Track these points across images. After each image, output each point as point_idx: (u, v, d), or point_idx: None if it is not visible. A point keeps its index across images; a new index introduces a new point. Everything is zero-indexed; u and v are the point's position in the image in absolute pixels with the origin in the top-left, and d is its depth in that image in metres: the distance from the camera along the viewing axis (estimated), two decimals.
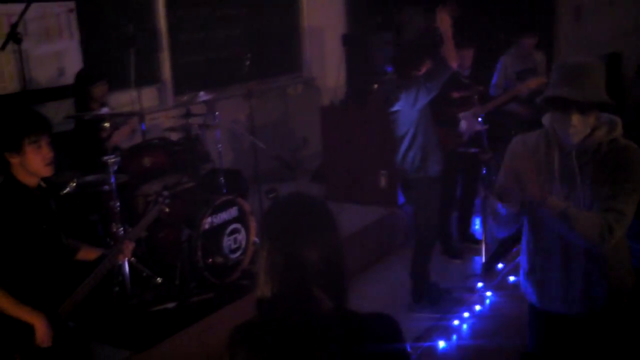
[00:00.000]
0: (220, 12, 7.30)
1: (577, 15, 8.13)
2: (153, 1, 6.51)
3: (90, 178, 4.67)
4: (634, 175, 2.55)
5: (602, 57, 7.83)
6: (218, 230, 4.81)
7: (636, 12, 7.97)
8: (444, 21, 4.46)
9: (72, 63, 5.65)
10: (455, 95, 5.43)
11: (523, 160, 2.67)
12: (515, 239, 3.94)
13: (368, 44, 6.72)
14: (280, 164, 7.79)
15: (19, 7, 4.93)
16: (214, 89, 6.49)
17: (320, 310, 1.68)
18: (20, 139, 2.83)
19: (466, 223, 6.13)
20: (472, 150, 5.52)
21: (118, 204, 4.44)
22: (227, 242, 4.87)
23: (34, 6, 5.13)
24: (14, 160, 2.86)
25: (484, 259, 5.51)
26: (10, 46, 4.93)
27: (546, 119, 2.77)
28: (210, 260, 4.73)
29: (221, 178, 5.45)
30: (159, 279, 4.72)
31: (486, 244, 5.48)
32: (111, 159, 4.32)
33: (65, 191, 4.45)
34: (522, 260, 2.93)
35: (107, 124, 4.61)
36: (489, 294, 5.10)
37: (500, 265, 5.49)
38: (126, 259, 4.16)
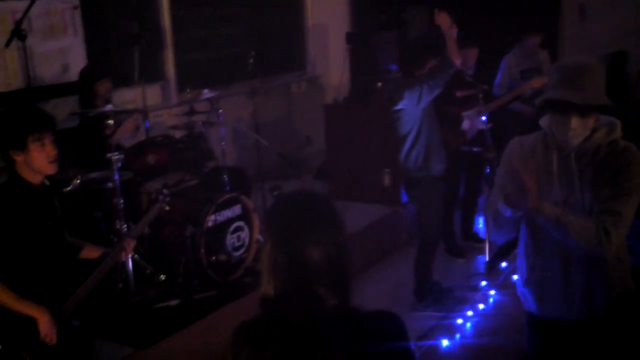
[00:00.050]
0: (224, 10, 7.31)
1: (582, 14, 8.10)
2: None
3: (94, 175, 4.68)
4: (633, 177, 2.52)
5: (607, 56, 7.84)
6: (221, 228, 4.81)
7: None
8: (444, 21, 4.48)
9: (76, 60, 5.65)
10: (459, 94, 5.42)
11: (520, 163, 2.62)
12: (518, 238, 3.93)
13: (372, 43, 6.71)
14: (283, 162, 7.79)
15: (23, 4, 4.93)
16: (218, 86, 6.50)
17: (324, 309, 1.67)
18: (24, 136, 2.83)
19: (469, 222, 6.13)
20: (475, 149, 5.51)
21: (122, 201, 4.45)
22: (231, 239, 4.87)
23: (39, 3, 5.13)
24: (19, 158, 2.86)
25: (487, 258, 5.51)
26: (15, 43, 4.94)
27: (544, 121, 2.72)
28: (214, 257, 4.73)
29: (225, 176, 5.45)
30: (162, 276, 4.73)
31: (489, 242, 5.48)
32: (115, 156, 4.33)
33: (69, 188, 4.45)
34: (520, 265, 2.86)
35: (111, 121, 4.61)
36: (492, 292, 5.09)
37: (503, 264, 5.48)
38: (129, 256, 4.19)
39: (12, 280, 2.83)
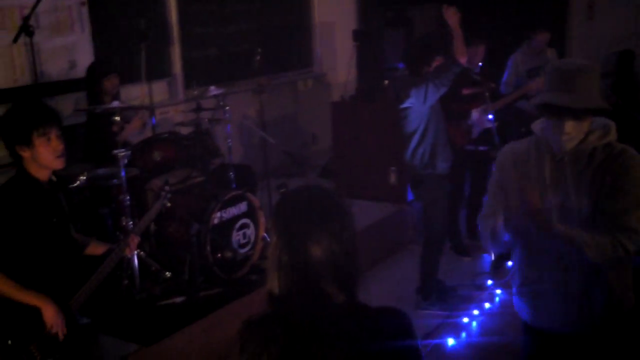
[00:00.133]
0: (231, 7, 7.30)
1: (590, 12, 8.08)
2: None
3: (100, 171, 4.69)
4: (638, 184, 2.43)
5: (614, 55, 7.81)
6: (227, 225, 4.81)
7: None
8: (452, 16, 4.45)
9: (84, 56, 5.66)
10: (466, 91, 5.41)
11: (512, 174, 2.57)
12: None
13: (379, 40, 6.70)
14: (290, 160, 7.79)
15: (31, 0, 4.93)
16: (225, 83, 6.50)
17: (330, 306, 1.67)
18: (29, 132, 2.83)
19: (475, 220, 6.10)
20: (481, 148, 5.49)
21: (128, 197, 4.46)
22: (236, 237, 4.87)
23: None
24: (25, 154, 2.86)
25: (493, 257, 5.50)
26: (22, 39, 4.94)
27: (536, 126, 2.64)
28: (219, 255, 4.73)
29: (231, 173, 5.45)
30: (167, 273, 4.73)
31: None
32: (122, 153, 4.33)
33: (75, 184, 4.46)
34: (514, 275, 2.80)
35: (118, 118, 4.61)
36: (498, 291, 5.08)
37: (509, 263, 5.45)
38: (134, 253, 4.20)
39: (18, 276, 2.83)
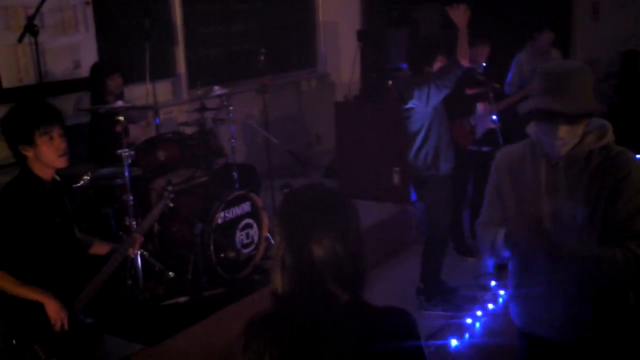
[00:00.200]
0: (235, 7, 7.30)
1: (594, 13, 8.06)
2: None
3: (104, 171, 4.69)
4: (638, 188, 2.35)
5: (619, 55, 7.79)
6: (231, 225, 4.81)
7: None
8: (462, 16, 4.40)
9: (88, 56, 5.67)
10: (469, 92, 5.40)
11: (506, 178, 2.51)
12: None
13: (383, 40, 6.70)
14: (293, 160, 7.79)
15: (36, 0, 4.94)
16: (228, 83, 6.50)
17: (334, 305, 1.67)
18: (31, 131, 2.83)
19: None
20: (484, 148, 5.49)
21: (131, 197, 4.46)
22: (240, 237, 4.88)
23: None
24: (29, 153, 2.87)
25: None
26: (27, 38, 4.95)
27: (531, 129, 2.54)
28: (223, 255, 4.73)
29: (234, 173, 5.46)
30: (171, 273, 4.73)
31: None
32: (125, 153, 4.34)
33: (79, 184, 4.46)
34: (509, 280, 2.76)
35: (122, 117, 4.62)
36: (501, 292, 5.07)
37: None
38: (138, 253, 4.20)
39: (22, 275, 2.84)
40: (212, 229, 4.63)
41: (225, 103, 5.62)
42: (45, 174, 2.93)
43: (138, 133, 5.20)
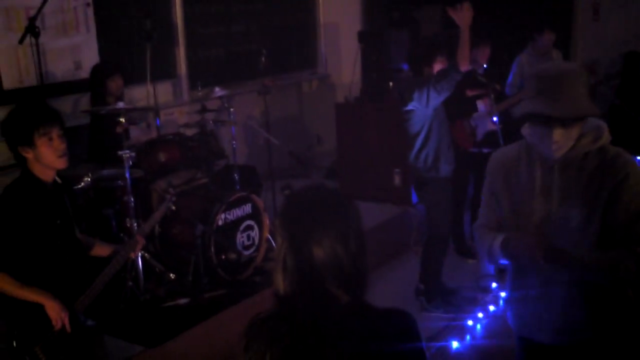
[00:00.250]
0: (236, 8, 7.31)
1: (595, 14, 8.06)
2: None
3: (105, 172, 4.69)
4: (637, 190, 2.32)
5: (620, 56, 7.78)
6: (231, 227, 4.81)
7: None
8: (465, 16, 4.31)
9: (89, 57, 5.67)
10: (470, 93, 5.40)
11: (500, 181, 2.50)
12: None
13: (384, 41, 6.70)
14: (294, 161, 7.79)
15: (37, 1, 4.94)
16: (229, 84, 6.51)
17: (335, 306, 1.67)
18: (31, 132, 2.83)
19: None
20: (485, 150, 5.48)
21: (132, 199, 4.46)
22: (241, 238, 4.87)
23: (52, 0, 5.14)
24: (28, 155, 2.87)
25: None
26: (28, 40, 4.94)
27: (526, 131, 2.49)
28: (224, 256, 4.73)
29: (235, 174, 5.46)
30: (172, 275, 4.73)
31: None
32: (126, 154, 4.34)
33: (80, 185, 4.47)
34: (506, 283, 2.74)
35: (122, 119, 4.62)
36: (502, 294, 5.06)
37: None
38: (139, 254, 4.20)
39: (22, 277, 2.84)
40: (213, 230, 4.63)
41: (226, 104, 5.62)
42: (46, 175, 2.93)
43: (138, 134, 5.21)
